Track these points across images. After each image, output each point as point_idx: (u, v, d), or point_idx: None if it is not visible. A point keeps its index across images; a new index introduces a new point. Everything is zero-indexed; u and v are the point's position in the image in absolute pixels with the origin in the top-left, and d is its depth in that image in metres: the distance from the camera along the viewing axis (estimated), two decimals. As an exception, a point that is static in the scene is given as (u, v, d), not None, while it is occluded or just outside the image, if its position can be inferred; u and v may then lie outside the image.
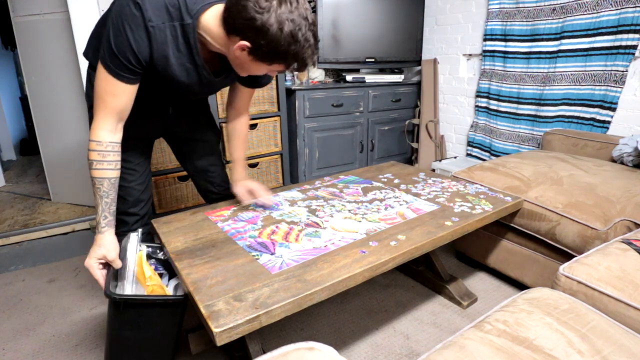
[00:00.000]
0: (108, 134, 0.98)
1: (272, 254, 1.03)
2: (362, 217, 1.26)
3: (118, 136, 1.02)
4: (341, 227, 1.19)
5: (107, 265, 1.04)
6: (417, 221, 1.23)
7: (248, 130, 1.41)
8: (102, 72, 0.94)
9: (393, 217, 1.26)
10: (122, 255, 1.06)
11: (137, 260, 1.05)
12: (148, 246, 1.15)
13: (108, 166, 0.99)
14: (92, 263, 0.99)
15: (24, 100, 4.51)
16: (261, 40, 0.87)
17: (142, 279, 1.02)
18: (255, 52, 0.90)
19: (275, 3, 0.84)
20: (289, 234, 1.14)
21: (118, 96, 0.96)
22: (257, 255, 1.02)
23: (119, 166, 1.03)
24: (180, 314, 1.04)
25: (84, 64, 2.20)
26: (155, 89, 1.10)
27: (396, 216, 1.27)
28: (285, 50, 0.88)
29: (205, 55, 1.02)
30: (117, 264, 1.03)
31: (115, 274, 1.05)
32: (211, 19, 0.95)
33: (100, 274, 1.00)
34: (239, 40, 0.89)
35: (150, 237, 1.27)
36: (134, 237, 1.11)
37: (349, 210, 1.32)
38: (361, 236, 1.13)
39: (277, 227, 1.19)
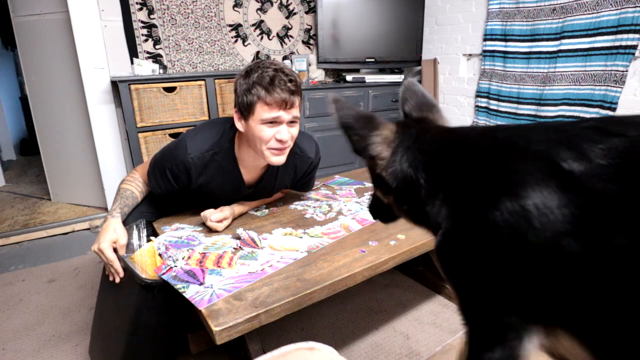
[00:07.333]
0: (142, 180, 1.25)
1: (201, 284, 0.91)
2: (303, 233, 1.17)
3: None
4: (280, 245, 1.10)
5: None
6: (364, 233, 1.16)
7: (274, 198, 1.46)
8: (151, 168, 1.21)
9: (337, 230, 1.19)
10: (128, 244, 1.10)
11: (147, 252, 1.07)
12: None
13: (135, 186, 1.22)
14: (106, 246, 1.04)
15: (24, 100, 4.51)
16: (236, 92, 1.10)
17: (150, 269, 1.03)
18: (237, 105, 1.10)
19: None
20: (222, 257, 1.03)
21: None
22: (183, 287, 0.90)
23: (141, 192, 1.23)
24: None
25: (84, 64, 2.21)
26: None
27: (340, 229, 1.20)
28: (249, 80, 1.05)
29: (246, 175, 1.23)
30: (123, 251, 1.08)
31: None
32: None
33: (114, 256, 1.04)
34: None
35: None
36: (138, 229, 1.14)
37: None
38: (302, 254, 1.04)
39: (208, 252, 1.06)
